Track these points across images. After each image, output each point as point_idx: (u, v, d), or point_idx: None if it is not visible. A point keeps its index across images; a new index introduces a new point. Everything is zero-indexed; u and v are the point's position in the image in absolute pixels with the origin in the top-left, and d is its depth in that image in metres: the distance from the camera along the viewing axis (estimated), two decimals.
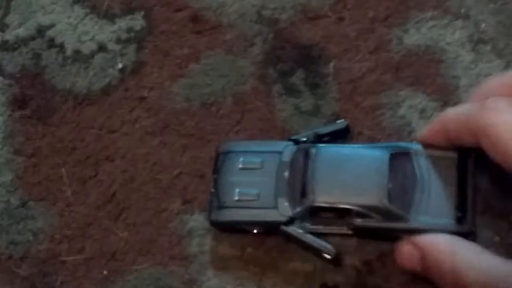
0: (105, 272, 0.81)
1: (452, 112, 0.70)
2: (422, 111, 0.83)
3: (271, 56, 0.89)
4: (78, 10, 0.93)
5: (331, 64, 0.87)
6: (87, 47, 0.92)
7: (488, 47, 0.85)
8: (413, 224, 0.68)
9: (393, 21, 0.88)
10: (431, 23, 0.87)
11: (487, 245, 0.67)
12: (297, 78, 0.87)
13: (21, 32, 0.94)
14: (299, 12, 0.90)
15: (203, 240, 0.81)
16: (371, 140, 0.82)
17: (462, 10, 0.87)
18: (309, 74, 0.87)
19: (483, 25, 0.86)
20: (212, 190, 0.77)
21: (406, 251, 0.68)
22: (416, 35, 0.87)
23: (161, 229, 0.82)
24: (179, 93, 0.89)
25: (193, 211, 0.83)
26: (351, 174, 0.70)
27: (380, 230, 0.70)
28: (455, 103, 0.82)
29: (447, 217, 0.68)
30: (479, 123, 0.62)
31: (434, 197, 0.69)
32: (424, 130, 0.75)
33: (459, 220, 0.68)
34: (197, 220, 0.82)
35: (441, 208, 0.68)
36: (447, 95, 0.83)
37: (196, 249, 0.81)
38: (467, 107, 0.66)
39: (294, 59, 0.88)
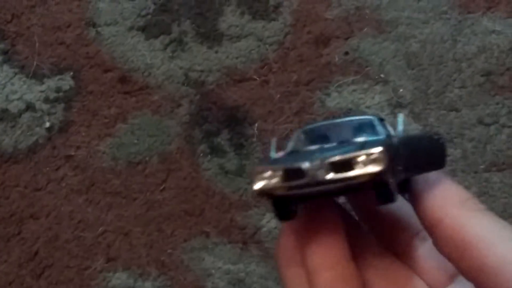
0: None
1: None
2: None
3: (197, 117, 0.90)
4: (7, 70, 0.94)
5: (256, 126, 0.89)
6: (15, 106, 0.92)
7: (406, 111, 0.88)
8: None
9: (316, 85, 0.91)
10: (352, 87, 0.90)
11: None
12: (223, 138, 0.89)
13: None
14: (225, 75, 0.92)
15: None
16: None
17: (382, 76, 0.91)
18: (234, 134, 0.89)
19: (401, 90, 0.90)
20: None
21: None
22: (338, 98, 0.90)
23: (84, 287, 0.82)
24: (106, 152, 0.89)
25: (117, 269, 0.83)
26: None
27: None
28: None
29: None
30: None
31: None
32: None
33: None
34: (120, 278, 0.82)
35: None
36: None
37: None
38: None
39: (220, 120, 0.90)
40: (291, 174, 0.37)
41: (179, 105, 0.91)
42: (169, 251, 0.84)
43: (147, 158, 0.89)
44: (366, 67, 0.91)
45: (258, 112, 0.90)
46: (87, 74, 0.94)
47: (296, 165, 0.37)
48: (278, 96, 0.91)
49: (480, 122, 0.87)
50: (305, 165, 0.36)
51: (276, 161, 0.39)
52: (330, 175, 0.36)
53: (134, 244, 0.84)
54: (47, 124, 0.91)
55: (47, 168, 0.89)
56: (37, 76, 0.94)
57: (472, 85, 0.89)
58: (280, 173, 0.38)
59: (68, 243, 0.84)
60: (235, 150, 0.88)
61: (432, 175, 0.41)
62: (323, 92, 0.91)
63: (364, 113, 0.52)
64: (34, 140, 0.91)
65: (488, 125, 0.87)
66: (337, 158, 0.36)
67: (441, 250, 0.40)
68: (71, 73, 0.94)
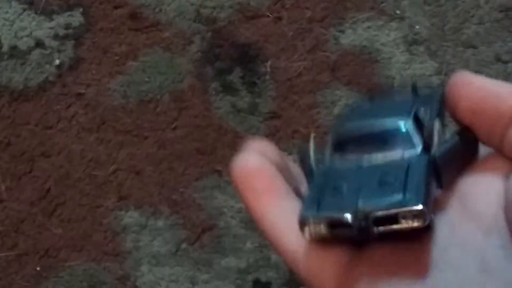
0: (38, 268, 0.81)
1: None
2: None
3: (209, 55, 0.89)
4: (16, 6, 0.93)
5: (269, 63, 0.88)
6: (24, 43, 0.91)
7: (422, 48, 0.87)
8: None
9: (330, 21, 0.89)
10: (367, 24, 0.89)
11: None
12: (235, 76, 0.88)
13: None
14: (238, 11, 0.91)
15: (138, 237, 0.81)
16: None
17: (398, 12, 0.89)
18: (247, 72, 0.88)
19: (417, 27, 0.88)
20: None
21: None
22: (352, 35, 0.88)
23: (96, 225, 0.82)
24: (117, 90, 0.88)
25: (128, 207, 0.82)
26: None
27: None
28: None
29: None
30: None
31: None
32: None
33: None
34: (132, 217, 0.82)
35: None
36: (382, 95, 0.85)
37: (130, 245, 0.81)
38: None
39: (232, 58, 0.89)
40: (335, 223, 0.40)
41: (191, 42, 0.90)
42: (181, 189, 0.84)
43: (158, 96, 0.88)
44: (382, 3, 0.90)
45: (271, 50, 0.89)
46: (97, 11, 0.92)
47: (339, 217, 0.39)
48: (291, 33, 0.90)
49: (498, 59, 0.86)
50: (349, 218, 0.39)
51: (315, 204, 0.40)
52: (379, 229, 0.39)
53: (145, 182, 0.83)
54: (57, 62, 0.90)
55: (58, 106, 0.88)
56: (46, 12, 0.93)
57: (490, 21, 0.87)
58: (324, 224, 0.40)
59: (79, 181, 0.84)
60: (247, 88, 0.87)
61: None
62: (337, 29, 0.89)
63: (403, 94, 0.53)
64: (44, 78, 0.90)
65: (505, 62, 0.86)
66: (381, 213, 0.39)
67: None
68: (81, 9, 0.93)
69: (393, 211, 0.39)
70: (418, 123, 0.46)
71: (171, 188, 0.84)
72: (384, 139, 0.45)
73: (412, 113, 0.46)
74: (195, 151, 0.85)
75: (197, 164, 0.85)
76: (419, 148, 0.43)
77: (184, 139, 0.86)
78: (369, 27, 0.88)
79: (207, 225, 0.82)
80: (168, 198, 0.83)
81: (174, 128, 0.86)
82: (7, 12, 0.93)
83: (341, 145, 0.46)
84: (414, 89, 0.51)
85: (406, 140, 0.44)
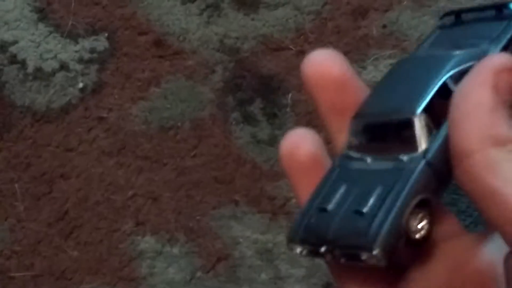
0: None
1: None
2: None
3: (230, 84, 0.90)
4: (42, 28, 0.94)
5: (290, 96, 0.89)
6: (49, 65, 0.92)
7: None
8: None
9: (352, 57, 0.90)
10: (388, 61, 0.89)
11: None
12: (256, 107, 0.88)
13: None
14: (261, 43, 0.91)
15: (153, 263, 0.81)
16: None
17: None
18: (268, 104, 0.89)
19: None
20: None
21: None
22: (374, 72, 0.89)
23: (112, 249, 0.83)
24: (138, 115, 0.89)
25: (145, 233, 0.83)
26: None
27: None
28: None
29: None
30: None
31: None
32: None
33: None
34: (149, 242, 0.82)
35: None
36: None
37: (146, 271, 0.81)
38: None
39: (254, 89, 0.89)
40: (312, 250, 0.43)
41: (213, 72, 0.91)
42: (197, 217, 0.84)
43: (179, 124, 0.88)
44: (404, 41, 0.90)
45: (293, 82, 0.90)
46: (122, 36, 0.93)
47: (314, 249, 0.42)
48: None
49: None
50: (322, 250, 0.42)
51: (302, 225, 0.44)
52: (345, 261, 0.41)
53: (163, 209, 0.84)
54: (81, 85, 0.91)
55: (79, 129, 0.89)
56: (72, 36, 0.94)
57: None
58: (304, 249, 0.43)
59: (97, 204, 0.84)
60: (268, 119, 0.88)
61: (480, 97, 0.38)
62: (359, 65, 0.90)
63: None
64: (67, 100, 0.91)
65: None
66: (343, 252, 0.41)
67: (463, 186, 0.37)
68: (106, 34, 0.94)
69: (352, 251, 0.40)
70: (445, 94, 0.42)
71: (188, 215, 0.84)
72: (391, 134, 0.43)
73: (435, 88, 0.41)
74: (213, 180, 0.86)
75: (214, 193, 0.85)
76: (420, 149, 0.41)
77: (203, 167, 0.86)
78: (390, 64, 0.89)
79: (223, 254, 0.82)
80: (184, 225, 0.84)
81: (194, 156, 0.86)
82: (33, 34, 0.94)
83: (354, 134, 0.46)
84: (498, 13, 0.46)
85: (410, 139, 0.41)
